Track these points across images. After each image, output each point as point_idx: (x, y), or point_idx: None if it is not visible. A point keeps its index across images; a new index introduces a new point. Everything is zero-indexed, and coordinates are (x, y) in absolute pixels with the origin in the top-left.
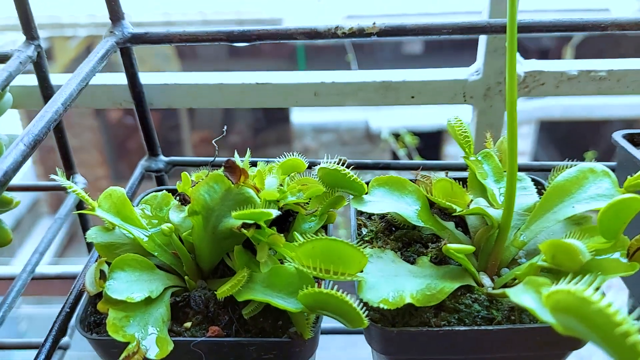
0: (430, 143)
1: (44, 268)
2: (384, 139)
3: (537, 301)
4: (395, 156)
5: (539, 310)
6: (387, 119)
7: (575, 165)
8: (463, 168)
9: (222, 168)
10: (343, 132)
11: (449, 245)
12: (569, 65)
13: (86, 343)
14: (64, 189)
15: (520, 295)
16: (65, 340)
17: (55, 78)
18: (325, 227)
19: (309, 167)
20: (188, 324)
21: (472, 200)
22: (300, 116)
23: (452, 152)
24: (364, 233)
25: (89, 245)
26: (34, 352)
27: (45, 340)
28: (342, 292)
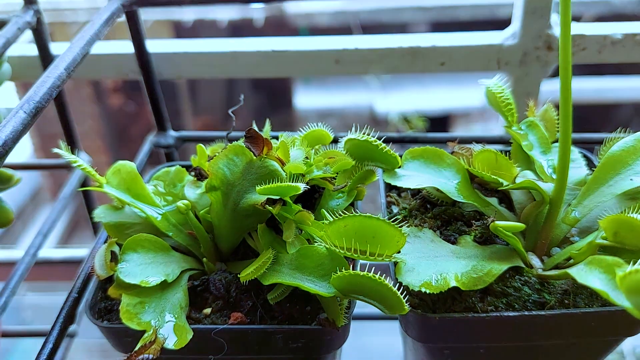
0: (436, 128)
1: (48, 252)
2: (391, 122)
3: (608, 283)
4: None
5: (612, 293)
6: (392, 103)
7: (630, 135)
8: (496, 141)
9: (243, 139)
10: (348, 117)
11: (497, 222)
12: (613, 28)
13: (93, 330)
14: (67, 166)
15: (587, 277)
16: (72, 327)
17: (56, 47)
18: (352, 205)
19: (334, 141)
20: (208, 310)
21: (517, 174)
22: (304, 101)
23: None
24: (395, 211)
25: (95, 229)
26: (40, 340)
27: (53, 328)
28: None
